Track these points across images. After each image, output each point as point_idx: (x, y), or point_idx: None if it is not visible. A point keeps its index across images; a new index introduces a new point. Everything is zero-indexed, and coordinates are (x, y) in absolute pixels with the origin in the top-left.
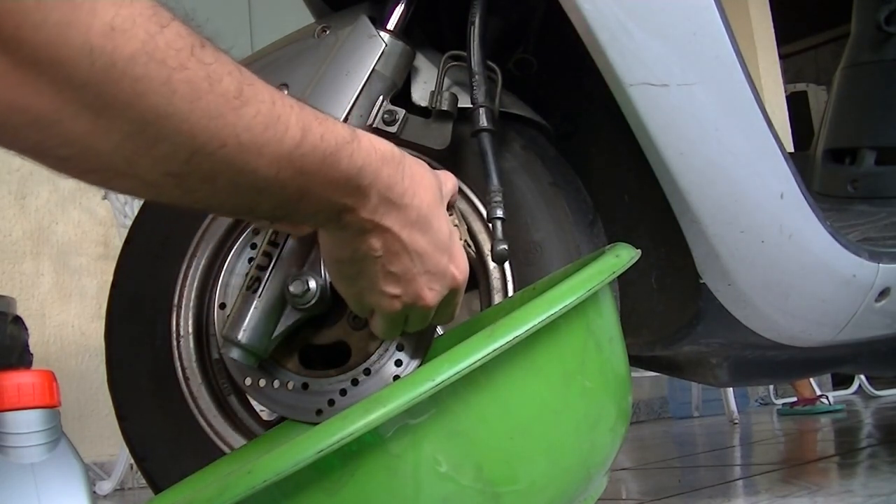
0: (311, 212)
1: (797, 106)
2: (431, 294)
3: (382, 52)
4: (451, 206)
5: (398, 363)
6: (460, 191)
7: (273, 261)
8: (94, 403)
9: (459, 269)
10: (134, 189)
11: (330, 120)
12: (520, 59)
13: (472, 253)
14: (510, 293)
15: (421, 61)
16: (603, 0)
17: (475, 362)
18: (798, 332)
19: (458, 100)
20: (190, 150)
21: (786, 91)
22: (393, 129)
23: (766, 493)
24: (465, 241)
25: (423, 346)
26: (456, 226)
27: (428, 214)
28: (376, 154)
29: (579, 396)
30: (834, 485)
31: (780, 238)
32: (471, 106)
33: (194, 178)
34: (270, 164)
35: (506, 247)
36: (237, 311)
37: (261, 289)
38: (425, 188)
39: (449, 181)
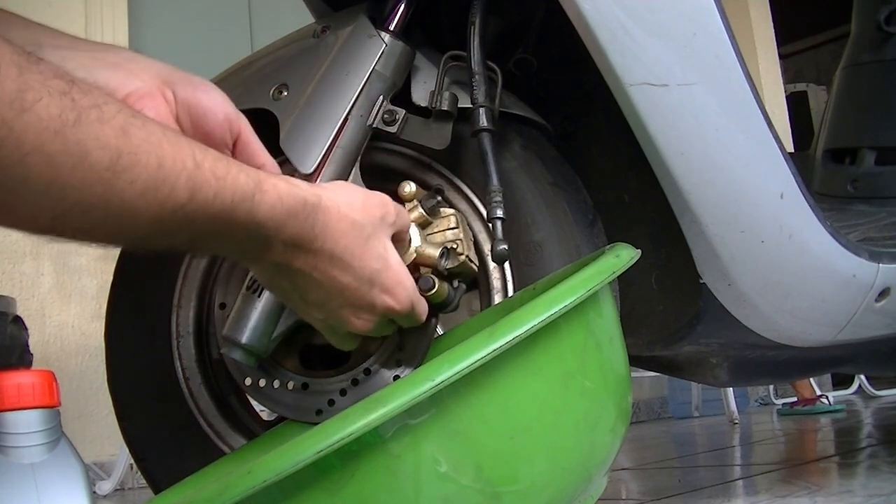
0: (214, 251)
1: (797, 106)
2: (361, 322)
3: (382, 52)
4: (400, 237)
5: (398, 363)
6: (460, 191)
7: None
8: (94, 403)
9: (396, 298)
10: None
11: (234, 174)
12: (520, 59)
13: (475, 267)
14: (510, 293)
15: (421, 61)
16: (603, 0)
17: (475, 362)
18: (798, 332)
19: (458, 100)
20: (52, 214)
21: (786, 91)
22: (393, 129)
23: (766, 493)
24: (467, 256)
25: (422, 346)
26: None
27: (345, 255)
28: (282, 206)
29: (579, 396)
30: (834, 485)
31: (780, 238)
32: (471, 106)
33: (67, 232)
34: (150, 223)
35: (506, 247)
36: (237, 312)
37: (261, 289)
38: (342, 232)
39: (392, 212)
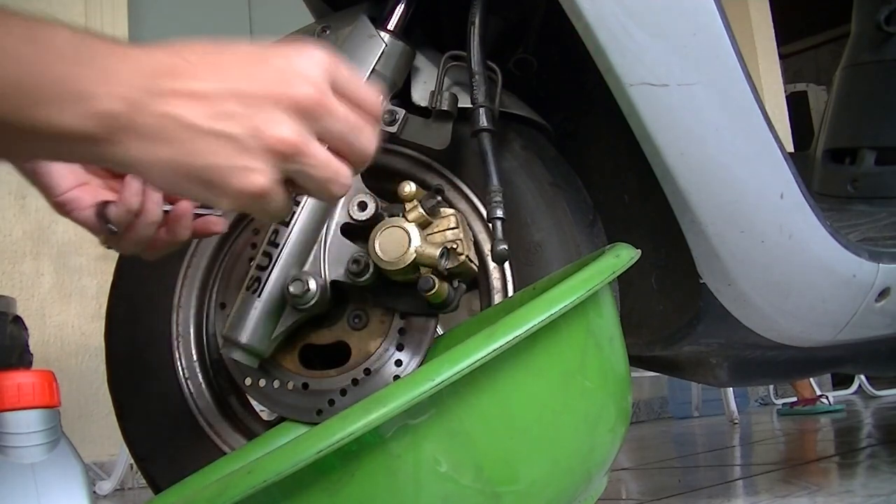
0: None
1: (797, 106)
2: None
3: (382, 52)
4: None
5: (398, 363)
6: (460, 191)
7: (273, 261)
8: (94, 403)
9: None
10: None
11: None
12: (520, 59)
13: (475, 267)
14: (510, 293)
15: (421, 61)
16: (603, 0)
17: (475, 362)
18: (798, 332)
19: (458, 100)
20: None
21: (786, 91)
22: (393, 129)
23: (766, 493)
24: (467, 256)
25: (423, 345)
26: (459, 240)
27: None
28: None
29: (579, 396)
30: (834, 485)
31: (780, 238)
32: (471, 106)
33: None
34: None
35: (506, 247)
36: (237, 312)
37: (261, 289)
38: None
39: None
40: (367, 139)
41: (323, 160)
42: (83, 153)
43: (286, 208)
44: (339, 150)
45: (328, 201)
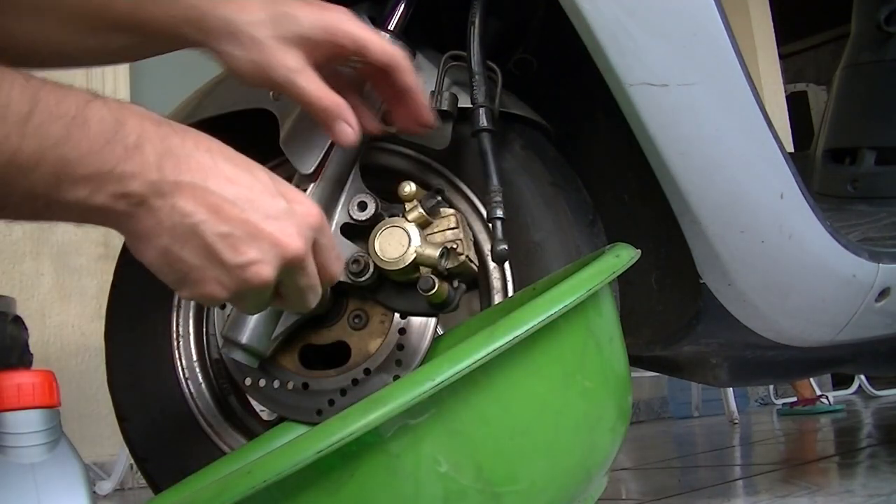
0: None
1: (797, 106)
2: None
3: None
4: None
5: (398, 363)
6: (460, 191)
7: None
8: (94, 403)
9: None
10: None
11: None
12: (520, 59)
13: (475, 267)
14: (510, 293)
15: (421, 61)
16: (603, 0)
17: (475, 362)
18: (798, 332)
19: (458, 100)
20: None
21: (786, 91)
22: (393, 129)
23: (766, 493)
24: (467, 256)
25: (423, 345)
26: (459, 240)
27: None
28: (86, 208)
29: (579, 396)
30: (834, 485)
31: (780, 238)
32: (470, 106)
33: None
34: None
35: (506, 247)
36: (237, 312)
37: None
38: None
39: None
40: (315, 298)
41: (267, 301)
42: (101, 220)
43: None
44: (289, 296)
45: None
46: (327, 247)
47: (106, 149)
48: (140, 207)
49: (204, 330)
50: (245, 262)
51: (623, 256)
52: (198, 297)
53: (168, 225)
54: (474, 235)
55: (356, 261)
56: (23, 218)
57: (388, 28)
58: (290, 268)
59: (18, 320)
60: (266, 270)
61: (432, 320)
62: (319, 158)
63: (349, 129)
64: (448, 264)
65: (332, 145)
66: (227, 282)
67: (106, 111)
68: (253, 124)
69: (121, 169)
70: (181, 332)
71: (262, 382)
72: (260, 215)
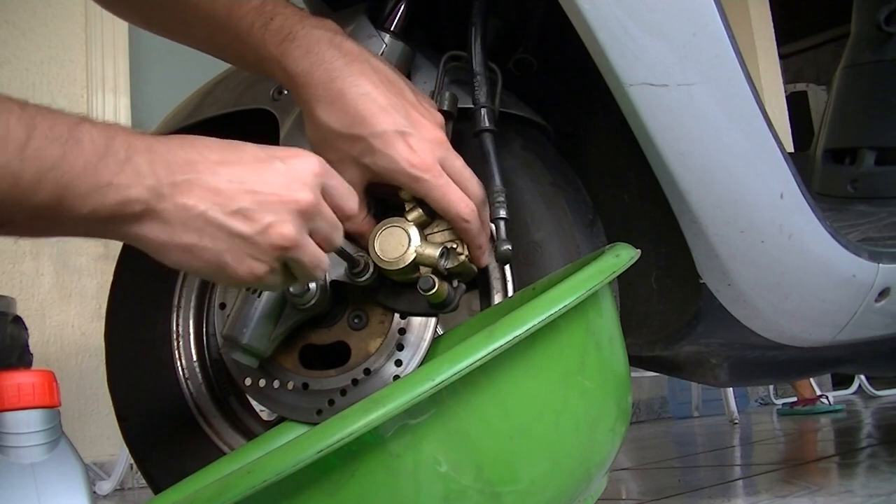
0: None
1: (797, 106)
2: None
3: (382, 52)
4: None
5: (398, 363)
6: None
7: None
8: (94, 403)
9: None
10: None
11: (56, 175)
12: (520, 59)
13: (474, 267)
14: (510, 293)
15: (421, 61)
16: (603, 0)
17: (475, 362)
18: (798, 332)
19: (458, 100)
20: None
21: (786, 91)
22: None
23: (766, 493)
24: (466, 256)
25: (423, 345)
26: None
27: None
28: (101, 214)
29: (579, 396)
30: (834, 485)
31: (780, 238)
32: (470, 106)
33: None
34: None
35: (509, 247)
36: (237, 312)
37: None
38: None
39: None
40: (340, 235)
41: (311, 252)
42: (111, 233)
43: (279, 287)
44: (320, 243)
45: (311, 280)
46: (336, 187)
47: (100, 164)
48: (146, 216)
49: (204, 330)
50: (263, 226)
51: (623, 256)
52: (243, 279)
53: (179, 223)
54: None
55: (356, 261)
56: (33, 235)
57: (388, 28)
58: (308, 217)
59: (18, 320)
60: (287, 228)
61: (432, 320)
62: None
63: None
64: (448, 264)
65: None
66: (258, 253)
67: (95, 131)
68: (253, 124)
69: (117, 181)
70: (181, 332)
71: (262, 382)
72: (259, 182)
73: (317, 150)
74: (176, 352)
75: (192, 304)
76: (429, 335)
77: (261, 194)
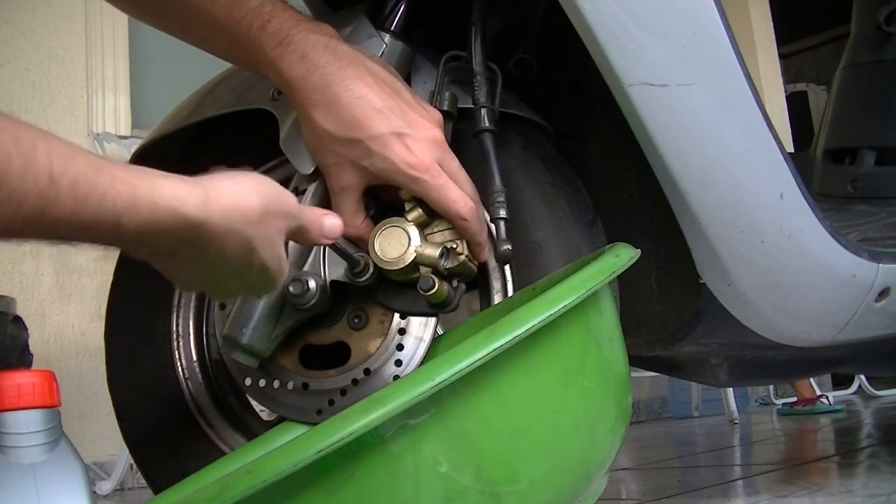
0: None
1: (797, 106)
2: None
3: (382, 53)
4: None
5: (398, 363)
6: None
7: None
8: (94, 403)
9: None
10: None
11: (101, 191)
12: (520, 59)
13: (474, 267)
14: (510, 293)
15: (421, 61)
16: (603, 0)
17: (475, 362)
18: (798, 332)
19: (458, 100)
20: None
21: (786, 91)
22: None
23: (766, 493)
24: (467, 256)
25: (423, 346)
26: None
27: (228, 261)
28: (155, 226)
29: (579, 396)
30: (834, 485)
31: (779, 238)
32: (470, 106)
33: None
34: (3, 230)
35: (509, 247)
36: (237, 312)
37: None
38: (225, 242)
39: (292, 213)
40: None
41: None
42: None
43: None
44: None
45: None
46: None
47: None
48: (170, 254)
49: (204, 330)
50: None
51: (623, 256)
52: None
53: (214, 242)
54: None
55: (356, 261)
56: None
57: (388, 28)
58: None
59: (18, 320)
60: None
61: (432, 320)
62: None
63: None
64: (448, 264)
65: None
66: (281, 225)
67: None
68: (253, 124)
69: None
70: (181, 332)
71: (262, 382)
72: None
73: (314, 154)
74: (176, 352)
75: (192, 304)
76: (429, 335)
77: (261, 183)
